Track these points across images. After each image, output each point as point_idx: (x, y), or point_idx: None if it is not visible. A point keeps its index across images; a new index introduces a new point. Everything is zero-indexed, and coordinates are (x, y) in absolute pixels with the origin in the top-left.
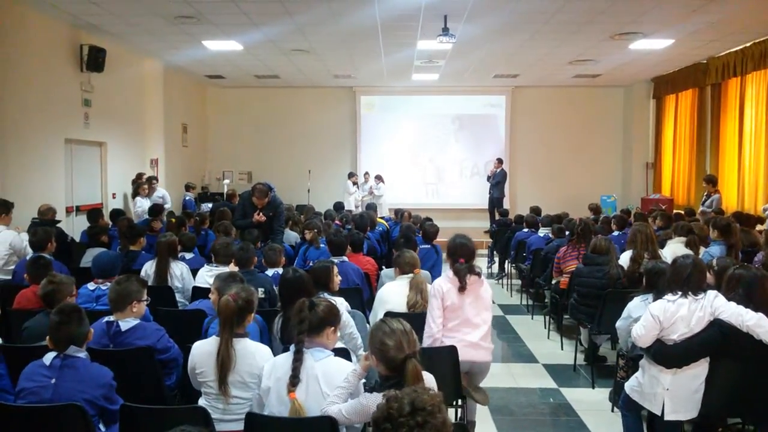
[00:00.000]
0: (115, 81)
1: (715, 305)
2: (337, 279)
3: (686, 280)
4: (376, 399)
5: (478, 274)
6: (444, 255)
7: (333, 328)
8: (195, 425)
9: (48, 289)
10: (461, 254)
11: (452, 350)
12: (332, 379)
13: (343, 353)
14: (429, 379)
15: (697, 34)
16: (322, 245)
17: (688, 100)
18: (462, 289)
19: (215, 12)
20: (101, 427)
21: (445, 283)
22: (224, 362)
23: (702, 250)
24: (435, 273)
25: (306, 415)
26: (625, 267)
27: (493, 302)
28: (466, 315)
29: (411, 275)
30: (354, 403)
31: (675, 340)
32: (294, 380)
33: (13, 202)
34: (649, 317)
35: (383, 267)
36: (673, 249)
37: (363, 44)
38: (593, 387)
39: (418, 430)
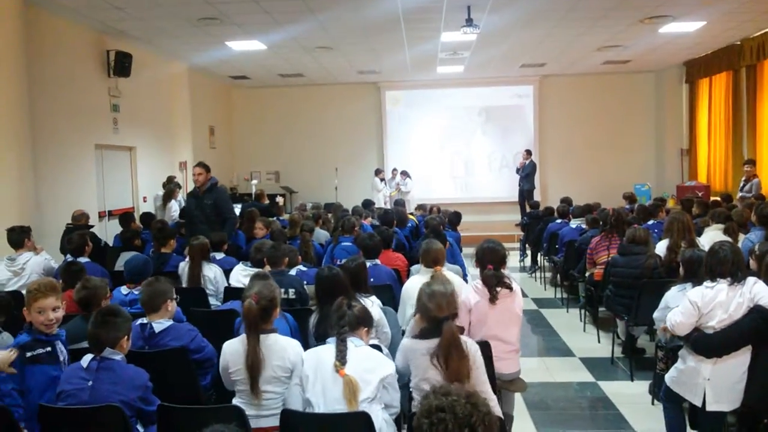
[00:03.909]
0: (142, 85)
1: (755, 291)
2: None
3: (724, 266)
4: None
5: (509, 287)
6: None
7: (366, 329)
8: (227, 424)
9: (82, 294)
10: (489, 260)
11: (485, 346)
12: (367, 363)
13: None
14: (470, 343)
15: (729, 15)
16: (345, 242)
17: (722, 84)
18: (493, 299)
19: (238, 12)
20: (139, 428)
21: (473, 295)
22: (254, 364)
23: (741, 236)
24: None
25: (359, 388)
26: (662, 256)
27: (527, 296)
28: (492, 330)
29: (431, 270)
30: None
31: (714, 327)
32: (342, 360)
33: (29, 225)
34: (687, 304)
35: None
36: (711, 236)
37: (386, 38)
38: (632, 380)
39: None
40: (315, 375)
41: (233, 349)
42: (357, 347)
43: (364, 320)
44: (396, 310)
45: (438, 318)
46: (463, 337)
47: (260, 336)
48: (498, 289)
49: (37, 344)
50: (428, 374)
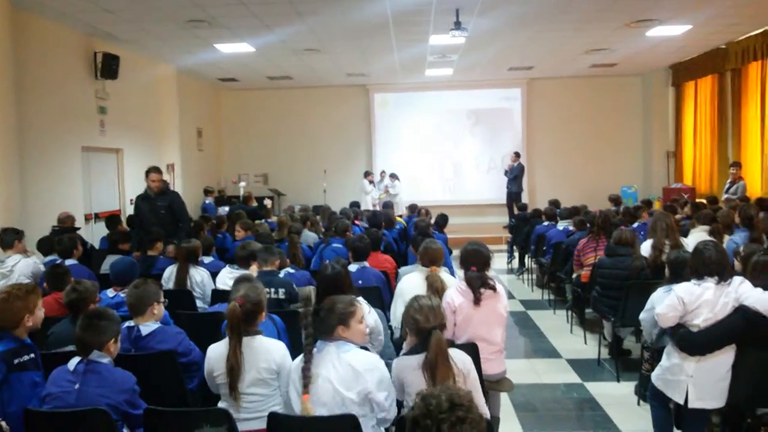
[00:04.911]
0: (130, 87)
1: (740, 291)
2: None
3: (709, 266)
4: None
5: (493, 288)
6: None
7: (342, 326)
8: (216, 427)
9: (72, 297)
10: (473, 262)
11: (473, 347)
12: (351, 375)
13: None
14: (459, 356)
15: (716, 19)
16: (336, 244)
17: (708, 87)
18: (477, 301)
19: (226, 15)
20: (125, 431)
21: (457, 296)
22: (233, 369)
23: (726, 237)
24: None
25: (313, 414)
26: (647, 256)
27: (514, 297)
28: (477, 331)
29: (427, 270)
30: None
31: (699, 325)
32: (305, 381)
33: (23, 230)
34: (673, 297)
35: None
36: (697, 237)
37: (375, 41)
38: (618, 381)
39: (459, 425)
40: (291, 386)
41: (218, 353)
42: (342, 355)
43: (335, 319)
44: (385, 312)
45: (426, 329)
46: (457, 351)
47: (245, 338)
48: (482, 290)
49: (23, 350)
50: (421, 389)
